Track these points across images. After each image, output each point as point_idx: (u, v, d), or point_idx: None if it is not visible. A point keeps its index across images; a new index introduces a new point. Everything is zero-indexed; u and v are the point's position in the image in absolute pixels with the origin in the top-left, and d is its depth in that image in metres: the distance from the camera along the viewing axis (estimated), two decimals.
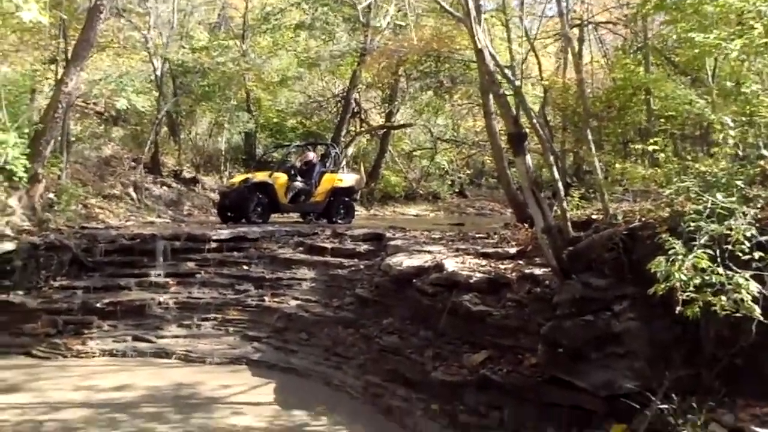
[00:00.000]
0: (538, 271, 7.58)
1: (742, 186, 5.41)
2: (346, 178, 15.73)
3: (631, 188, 8.33)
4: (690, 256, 4.70)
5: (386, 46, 20.12)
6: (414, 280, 8.67)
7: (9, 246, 10.58)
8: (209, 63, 19.62)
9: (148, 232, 12.00)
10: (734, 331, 5.08)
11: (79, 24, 14.84)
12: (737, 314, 4.58)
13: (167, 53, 18.87)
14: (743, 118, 6.31)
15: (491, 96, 11.70)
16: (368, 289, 9.84)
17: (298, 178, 14.91)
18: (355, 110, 24.55)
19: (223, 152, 21.99)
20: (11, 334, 10.29)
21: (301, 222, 15.26)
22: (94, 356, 10.11)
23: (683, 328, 5.42)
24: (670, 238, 4.94)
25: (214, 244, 11.79)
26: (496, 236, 10.93)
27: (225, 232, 12.08)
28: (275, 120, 24.11)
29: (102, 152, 18.65)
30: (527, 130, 7.93)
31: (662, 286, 4.75)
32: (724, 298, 4.56)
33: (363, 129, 25.26)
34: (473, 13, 7.10)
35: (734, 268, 4.68)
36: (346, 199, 15.59)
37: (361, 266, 10.65)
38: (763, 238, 4.83)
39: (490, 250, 9.30)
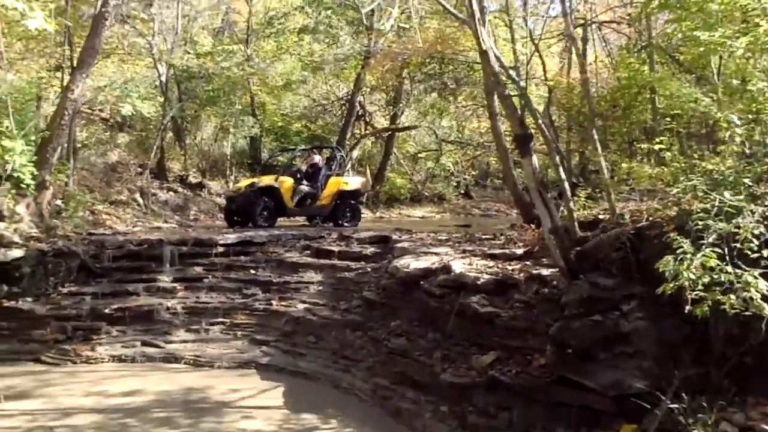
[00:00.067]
0: (545, 272, 7.57)
1: (750, 184, 5.41)
2: (352, 181, 15.75)
3: (637, 187, 8.31)
4: (698, 255, 4.69)
5: (390, 49, 20.17)
6: (421, 282, 8.68)
7: (17, 253, 10.60)
8: (214, 68, 19.72)
9: (155, 237, 12.04)
10: (743, 329, 5.07)
11: (84, 31, 14.91)
12: (746, 313, 4.58)
13: (172, 59, 18.96)
14: (749, 116, 6.30)
15: (496, 97, 11.72)
16: (375, 291, 9.85)
17: (304, 182, 14.93)
18: (360, 113, 24.58)
19: (229, 157, 22.05)
20: (20, 340, 10.30)
21: (307, 225, 15.30)
22: (103, 362, 10.13)
23: (692, 327, 5.41)
24: (678, 237, 4.93)
25: (221, 249, 11.82)
26: (502, 237, 10.93)
27: (232, 237, 12.11)
28: (280, 124, 24.18)
29: (108, 158, 18.75)
30: (533, 131, 7.94)
31: (671, 285, 4.74)
32: (733, 296, 4.56)
33: (368, 132, 25.28)
34: (477, 14, 7.11)
35: (743, 266, 4.68)
36: (353, 201, 15.62)
37: (368, 269, 10.66)
38: None
39: (497, 251, 9.30)
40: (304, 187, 14.82)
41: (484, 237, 11.39)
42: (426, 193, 25.87)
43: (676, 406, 5.08)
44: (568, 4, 9.31)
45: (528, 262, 8.41)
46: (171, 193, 18.50)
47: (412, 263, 9.20)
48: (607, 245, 6.32)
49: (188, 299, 11.15)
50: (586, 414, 6.01)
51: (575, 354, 6.00)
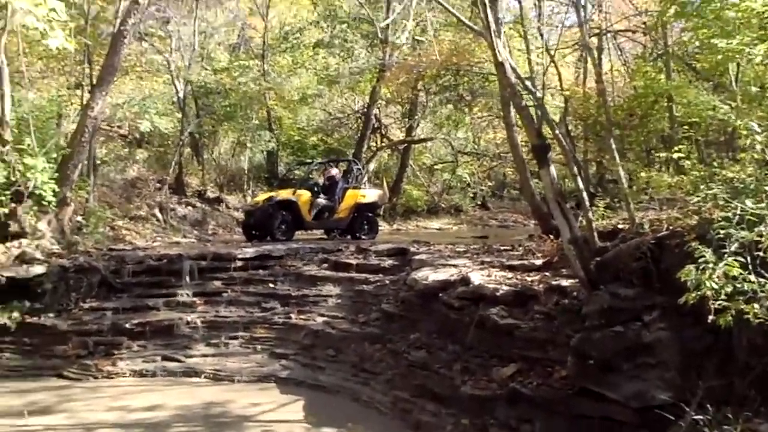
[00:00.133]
0: (565, 283, 7.54)
1: None
2: (369, 194, 15.75)
3: (656, 196, 8.27)
4: (721, 264, 4.65)
5: (405, 62, 20.26)
6: (440, 294, 8.67)
7: (39, 269, 10.72)
8: (230, 83, 19.92)
9: (174, 252, 12.10)
10: (767, 338, 5.02)
11: (102, 49, 15.13)
12: None
13: (189, 75, 19.17)
14: None
15: (512, 108, 11.72)
16: (394, 304, 9.84)
17: (322, 195, 14.97)
18: (376, 126, 24.67)
19: (246, 171, 22.18)
20: (43, 356, 10.40)
21: (325, 238, 15.33)
22: (124, 376, 10.19)
23: (715, 337, 5.38)
24: (699, 246, 4.90)
25: (239, 263, 11.86)
26: (521, 248, 10.90)
27: (250, 251, 12.15)
28: (296, 138, 24.32)
29: (127, 174, 18.95)
30: (549, 141, 7.93)
31: (693, 294, 4.71)
32: (756, 305, 4.52)
33: (384, 144, 25.35)
34: (493, 26, 7.13)
35: (766, 275, 4.63)
36: (370, 214, 15.62)
37: (387, 281, 10.65)
38: None
39: (516, 263, 9.27)
40: (322, 201, 14.86)
41: (502, 248, 11.37)
42: (443, 205, 25.85)
43: (701, 417, 5.02)
44: (583, 13, 9.32)
45: (547, 273, 8.38)
46: (189, 208, 18.64)
47: (430, 275, 9.20)
48: (627, 255, 6.29)
49: (208, 313, 11.19)
50: (608, 426, 5.96)
51: (597, 365, 5.97)
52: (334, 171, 16.07)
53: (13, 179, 11.31)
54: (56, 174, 11.94)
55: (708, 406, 5.06)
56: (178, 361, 10.47)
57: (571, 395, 6.31)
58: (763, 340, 5.08)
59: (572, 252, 6.93)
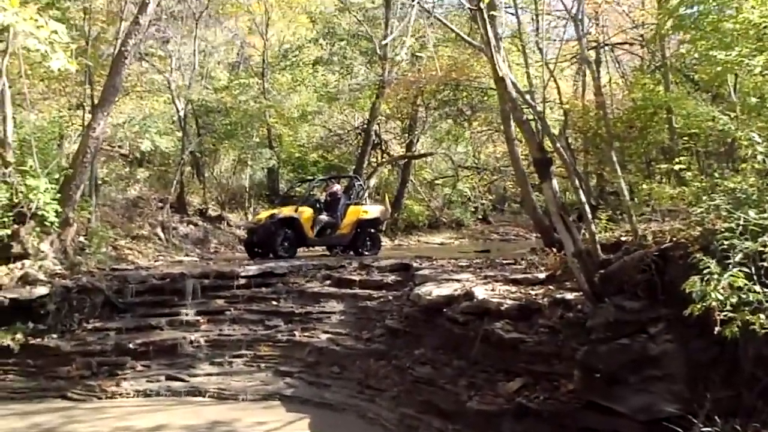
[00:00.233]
0: (569, 296, 7.52)
1: None
2: (372, 210, 15.75)
3: (658, 208, 8.28)
4: (726, 275, 4.66)
5: (404, 78, 20.34)
6: (444, 309, 8.65)
7: (42, 290, 10.71)
8: (231, 102, 20.01)
9: (177, 271, 12.09)
10: None
11: (103, 70, 15.23)
12: None
13: (189, 94, 19.24)
14: None
15: (512, 122, 11.75)
16: (398, 319, 9.82)
17: (324, 212, 14.98)
18: (376, 142, 24.74)
19: (247, 189, 22.22)
20: (46, 377, 10.35)
21: (327, 255, 15.32)
22: (128, 397, 10.14)
23: (721, 348, 5.37)
24: (703, 258, 4.91)
25: (242, 281, 11.84)
26: (524, 262, 10.89)
27: (253, 268, 12.14)
28: (297, 155, 24.40)
29: (129, 194, 18.98)
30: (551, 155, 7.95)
31: (698, 306, 4.72)
32: (762, 316, 4.52)
33: (384, 160, 25.42)
34: (493, 42, 7.17)
35: None
36: (372, 230, 15.63)
37: (390, 297, 10.64)
38: None
39: (520, 276, 9.25)
40: (324, 217, 14.86)
41: (505, 262, 11.37)
42: (444, 220, 25.86)
43: (709, 429, 5.01)
44: (581, 27, 9.37)
45: (551, 287, 8.37)
46: (191, 226, 18.66)
47: (434, 290, 9.18)
48: (631, 267, 6.29)
49: (211, 332, 11.16)
50: None
51: (603, 378, 5.95)
52: (336, 187, 16.08)
53: (16, 200, 11.37)
54: (58, 195, 11.97)
55: (716, 417, 5.05)
56: (182, 380, 10.43)
57: (577, 409, 6.28)
58: None
59: (576, 265, 6.93)
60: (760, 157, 6.03)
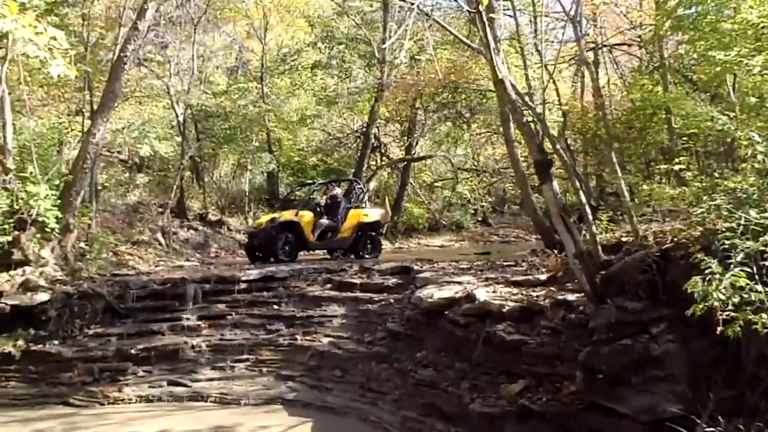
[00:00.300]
0: (570, 297, 7.53)
1: None
2: (372, 213, 15.75)
3: (658, 208, 8.29)
4: (727, 275, 4.66)
5: (403, 80, 20.34)
6: (446, 312, 8.66)
7: (44, 296, 10.70)
8: (230, 106, 20.02)
9: (178, 276, 12.08)
10: None
11: (102, 76, 15.23)
12: None
13: (188, 99, 19.24)
14: None
15: (512, 124, 11.76)
16: (399, 322, 9.83)
17: (324, 216, 14.97)
18: (375, 145, 24.73)
19: (247, 193, 22.23)
20: (48, 384, 10.33)
21: (328, 259, 15.31)
22: (130, 402, 10.10)
23: (723, 348, 5.37)
24: (705, 258, 4.91)
25: (243, 285, 11.84)
26: (524, 263, 10.89)
27: (254, 273, 12.14)
28: (296, 159, 24.42)
29: (129, 199, 18.98)
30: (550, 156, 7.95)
31: (700, 306, 4.72)
32: (764, 315, 4.52)
33: (384, 163, 25.41)
34: (492, 44, 7.18)
35: None
36: (373, 233, 15.63)
37: (391, 300, 10.65)
38: None
39: (521, 278, 9.27)
40: (325, 221, 14.85)
41: (506, 264, 11.37)
42: (444, 222, 25.86)
43: (712, 429, 5.00)
44: (579, 29, 9.38)
45: (552, 288, 8.38)
46: (191, 231, 18.66)
47: (435, 293, 9.19)
48: (633, 268, 6.29)
49: (213, 337, 11.15)
50: None
51: (606, 379, 5.95)
52: (337, 191, 16.08)
53: (16, 207, 11.34)
54: (59, 201, 11.95)
55: (719, 418, 5.04)
56: (184, 385, 10.40)
57: (580, 410, 6.29)
58: None
59: (577, 266, 6.93)
60: (760, 157, 6.04)
